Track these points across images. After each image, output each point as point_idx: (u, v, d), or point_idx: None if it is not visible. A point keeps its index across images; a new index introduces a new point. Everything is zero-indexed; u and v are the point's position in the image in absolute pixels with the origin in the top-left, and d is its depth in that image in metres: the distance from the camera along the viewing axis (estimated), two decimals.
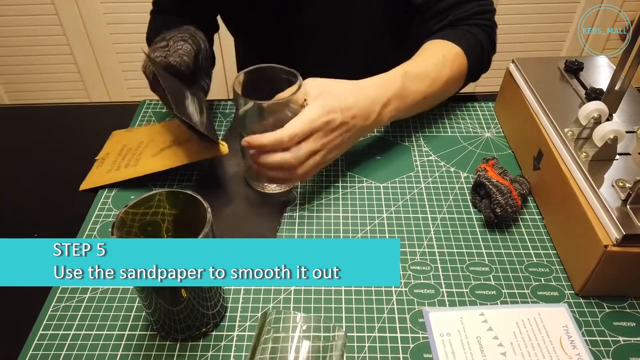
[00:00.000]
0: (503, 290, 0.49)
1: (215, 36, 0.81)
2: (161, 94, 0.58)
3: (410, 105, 0.62)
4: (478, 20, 0.70)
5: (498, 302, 0.48)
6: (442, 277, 0.50)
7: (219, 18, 0.81)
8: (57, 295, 0.49)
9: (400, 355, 0.44)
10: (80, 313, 0.47)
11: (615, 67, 0.53)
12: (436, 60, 0.65)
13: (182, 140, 0.60)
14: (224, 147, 0.55)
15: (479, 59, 0.70)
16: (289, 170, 0.53)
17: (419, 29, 0.73)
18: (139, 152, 0.62)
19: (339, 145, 0.56)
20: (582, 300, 0.48)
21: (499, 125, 0.70)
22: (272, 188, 0.60)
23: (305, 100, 0.54)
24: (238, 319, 0.47)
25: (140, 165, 0.60)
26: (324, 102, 0.53)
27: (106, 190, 0.60)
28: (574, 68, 0.62)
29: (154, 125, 0.68)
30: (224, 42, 1.56)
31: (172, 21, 0.70)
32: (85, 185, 0.61)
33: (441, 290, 0.49)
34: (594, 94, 0.56)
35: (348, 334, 0.45)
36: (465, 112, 0.72)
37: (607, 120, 0.53)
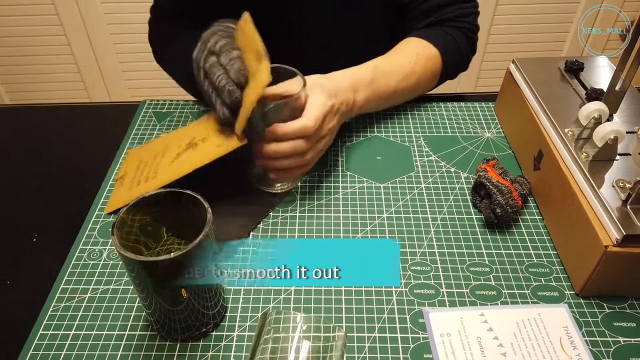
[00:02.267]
0: (503, 291, 0.49)
1: None
2: (221, 68, 0.54)
3: (380, 97, 0.65)
4: (459, 23, 0.72)
5: (498, 302, 0.48)
6: (442, 278, 0.50)
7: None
8: (57, 295, 0.49)
9: (401, 356, 0.44)
10: (80, 313, 0.47)
11: (615, 68, 0.53)
12: (409, 57, 0.67)
13: (198, 140, 0.58)
14: (243, 138, 0.53)
15: (456, 60, 0.72)
16: (300, 156, 0.54)
17: (405, 28, 0.74)
18: (156, 163, 0.60)
19: (334, 131, 0.59)
20: (582, 301, 0.48)
21: (499, 126, 0.70)
22: (278, 187, 0.60)
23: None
24: (238, 319, 0.47)
25: (160, 176, 0.57)
26: (322, 89, 0.56)
27: (106, 190, 0.60)
28: (575, 68, 0.62)
29: (166, 135, 0.66)
30: None
31: (181, 25, 0.70)
32: (110, 207, 0.58)
33: (441, 290, 0.49)
34: (594, 94, 0.56)
35: (348, 334, 0.45)
36: (466, 113, 0.72)
37: (608, 120, 0.53)
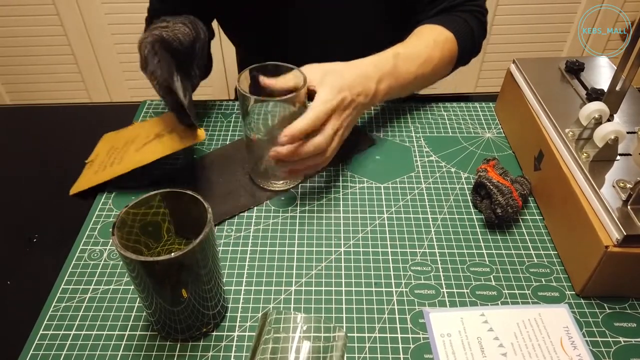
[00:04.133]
0: (504, 291, 0.49)
1: (216, 36, 0.81)
2: (149, 74, 0.59)
3: (403, 84, 0.64)
4: (469, 7, 0.73)
5: (499, 302, 0.48)
6: (442, 278, 0.50)
7: (217, 27, 0.81)
8: (58, 295, 0.49)
9: (401, 356, 0.44)
10: (80, 313, 0.47)
11: (616, 68, 0.53)
12: (427, 43, 0.67)
13: (165, 132, 0.61)
14: (202, 133, 0.55)
15: (470, 42, 0.72)
16: (321, 154, 0.55)
17: (413, 19, 0.75)
18: (124, 150, 0.62)
19: (350, 123, 0.59)
20: (582, 301, 0.48)
21: (500, 126, 0.70)
22: (279, 185, 0.60)
23: (308, 87, 0.55)
24: (238, 319, 0.47)
25: (125, 162, 0.59)
26: (333, 82, 0.55)
27: (106, 191, 0.60)
28: (575, 68, 0.62)
29: (139, 123, 0.69)
30: (225, 43, 1.56)
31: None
32: (75, 189, 0.60)
33: (442, 290, 0.49)
34: (594, 95, 0.56)
35: (348, 335, 0.45)
36: (466, 113, 0.72)
37: (608, 120, 0.53)
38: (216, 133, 0.69)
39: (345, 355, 0.43)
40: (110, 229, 0.39)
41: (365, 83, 0.59)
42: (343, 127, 0.57)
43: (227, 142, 0.67)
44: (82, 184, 0.61)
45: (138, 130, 0.66)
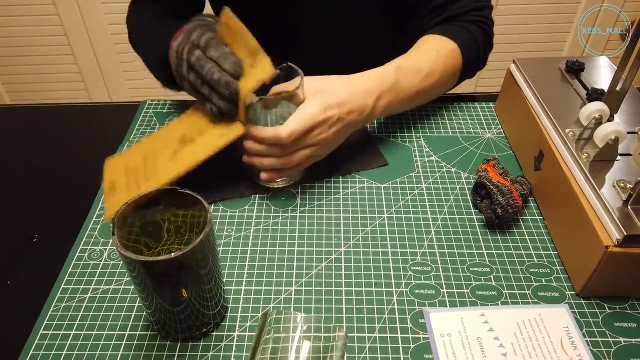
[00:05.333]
0: (504, 291, 0.49)
1: None
2: (218, 58, 0.54)
3: (403, 99, 0.63)
4: (474, 17, 0.71)
5: (499, 302, 0.48)
6: (442, 278, 0.50)
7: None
8: (58, 295, 0.49)
9: (401, 356, 0.44)
10: (81, 313, 0.47)
11: (616, 68, 0.53)
12: (430, 55, 0.65)
13: (194, 135, 0.56)
14: (243, 126, 0.53)
15: (475, 55, 0.70)
16: (276, 159, 0.55)
17: (415, 27, 0.73)
18: (150, 164, 0.56)
19: (333, 140, 0.58)
20: (583, 301, 0.48)
21: (500, 126, 0.70)
22: (276, 183, 0.60)
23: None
24: (239, 319, 0.47)
25: (162, 173, 0.54)
26: (322, 99, 0.55)
27: None
28: (575, 68, 0.62)
29: (147, 138, 0.61)
30: None
31: (162, 14, 0.70)
32: (111, 215, 0.54)
33: (442, 290, 0.49)
34: (595, 95, 0.56)
35: (349, 335, 0.45)
36: (467, 113, 0.72)
37: (609, 121, 0.53)
38: None
39: (346, 355, 0.43)
40: (111, 229, 0.39)
41: (363, 100, 0.58)
42: (320, 145, 0.56)
43: None
44: (117, 207, 0.53)
45: (151, 145, 0.59)
